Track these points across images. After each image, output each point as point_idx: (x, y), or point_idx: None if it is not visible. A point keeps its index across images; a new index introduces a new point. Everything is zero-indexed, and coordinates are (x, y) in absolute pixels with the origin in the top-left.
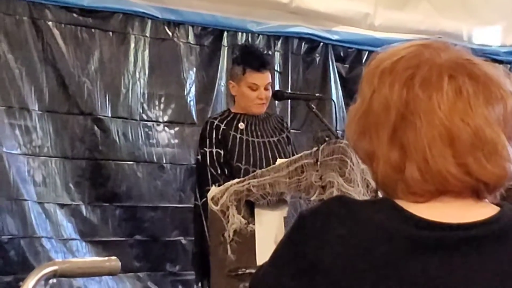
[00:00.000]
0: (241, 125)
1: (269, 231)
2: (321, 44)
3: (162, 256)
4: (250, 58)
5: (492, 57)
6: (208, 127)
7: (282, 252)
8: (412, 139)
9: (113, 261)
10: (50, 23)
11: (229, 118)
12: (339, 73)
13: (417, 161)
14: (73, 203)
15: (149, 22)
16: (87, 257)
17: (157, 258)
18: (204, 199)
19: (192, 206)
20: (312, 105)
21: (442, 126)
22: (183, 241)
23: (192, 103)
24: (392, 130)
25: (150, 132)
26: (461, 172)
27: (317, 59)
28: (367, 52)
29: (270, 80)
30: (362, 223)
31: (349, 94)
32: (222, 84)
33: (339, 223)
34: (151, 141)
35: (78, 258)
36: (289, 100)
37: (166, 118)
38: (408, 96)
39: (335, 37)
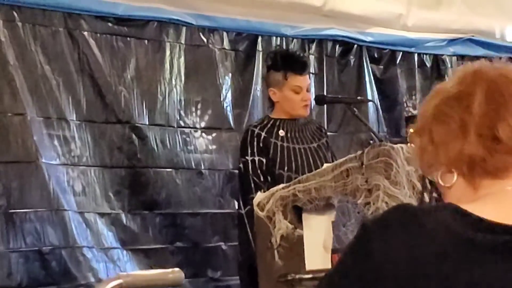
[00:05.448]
0: (281, 132)
1: (317, 235)
2: (355, 46)
3: (204, 262)
4: (291, 62)
5: None
6: (249, 136)
7: (347, 261)
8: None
9: (177, 273)
10: (85, 33)
11: (269, 126)
12: (373, 74)
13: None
14: (113, 211)
15: (184, 29)
16: (128, 265)
17: (198, 264)
18: (248, 208)
19: (232, 211)
20: (354, 108)
21: None
22: (224, 247)
23: (228, 108)
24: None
25: (187, 139)
26: None
27: (352, 61)
28: (401, 53)
29: (309, 82)
30: (426, 229)
31: (384, 95)
32: (258, 88)
33: (403, 230)
34: (189, 147)
35: (142, 271)
36: None
37: (203, 124)
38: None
39: (368, 38)
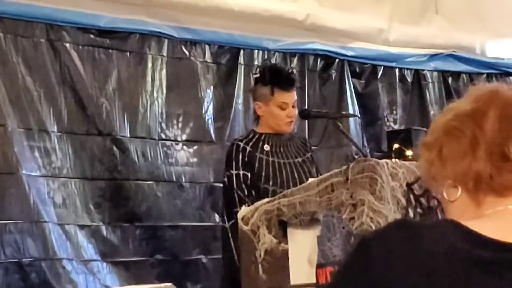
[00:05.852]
0: (267, 147)
1: (302, 250)
2: (337, 60)
3: (183, 275)
4: (279, 78)
5: (505, 70)
6: (234, 150)
7: (345, 275)
8: None
9: None
10: (67, 44)
11: (254, 140)
12: (355, 88)
13: None
14: (93, 224)
15: (166, 41)
16: (108, 277)
17: (178, 277)
18: (232, 221)
19: (212, 224)
20: (339, 123)
21: None
22: (204, 260)
23: (210, 121)
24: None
25: (168, 151)
26: None
27: (333, 75)
28: (382, 67)
29: (296, 98)
30: (426, 244)
31: (365, 109)
32: (240, 102)
33: (403, 245)
34: (170, 160)
35: (137, 285)
36: None
37: (184, 137)
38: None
39: (350, 53)
